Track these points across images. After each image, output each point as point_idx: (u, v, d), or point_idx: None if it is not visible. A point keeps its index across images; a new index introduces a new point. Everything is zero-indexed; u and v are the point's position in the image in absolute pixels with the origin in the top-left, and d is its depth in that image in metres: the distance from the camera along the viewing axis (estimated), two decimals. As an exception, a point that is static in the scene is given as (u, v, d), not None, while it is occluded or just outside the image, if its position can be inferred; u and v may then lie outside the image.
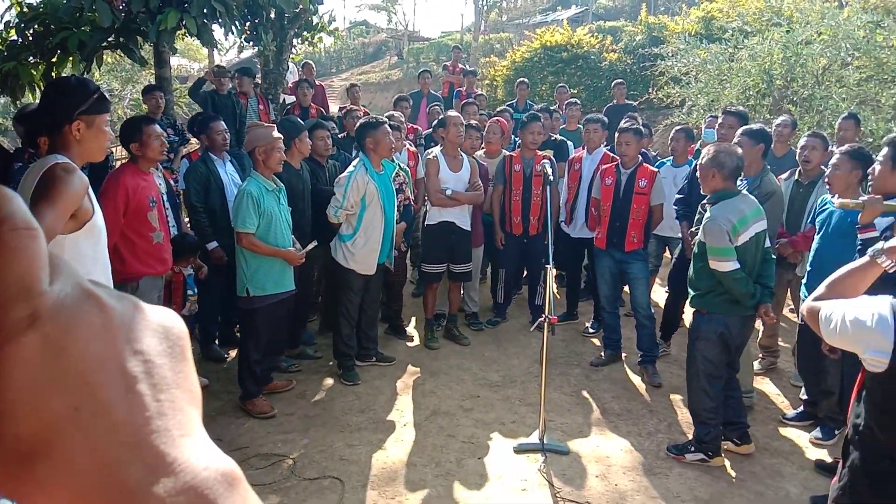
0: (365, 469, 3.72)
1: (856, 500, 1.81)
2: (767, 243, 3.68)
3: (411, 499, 3.48)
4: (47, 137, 2.52)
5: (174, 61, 7.83)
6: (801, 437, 4.15)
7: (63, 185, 2.25)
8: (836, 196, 3.61)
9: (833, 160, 3.80)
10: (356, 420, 4.29)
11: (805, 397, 4.34)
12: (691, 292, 3.77)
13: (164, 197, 4.13)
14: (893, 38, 7.41)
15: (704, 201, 3.77)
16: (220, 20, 5.68)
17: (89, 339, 0.36)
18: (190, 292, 4.44)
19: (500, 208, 5.77)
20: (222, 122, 5.05)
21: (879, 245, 1.92)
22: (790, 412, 4.44)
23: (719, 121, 5.10)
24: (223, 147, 4.98)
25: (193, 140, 6.49)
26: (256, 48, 7.31)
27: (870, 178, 3.24)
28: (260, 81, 8.37)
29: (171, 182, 4.84)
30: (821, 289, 1.96)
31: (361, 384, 4.79)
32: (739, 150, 3.72)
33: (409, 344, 5.60)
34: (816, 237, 3.93)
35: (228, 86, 7.54)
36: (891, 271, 1.87)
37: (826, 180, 3.96)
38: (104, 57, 7.11)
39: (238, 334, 5.13)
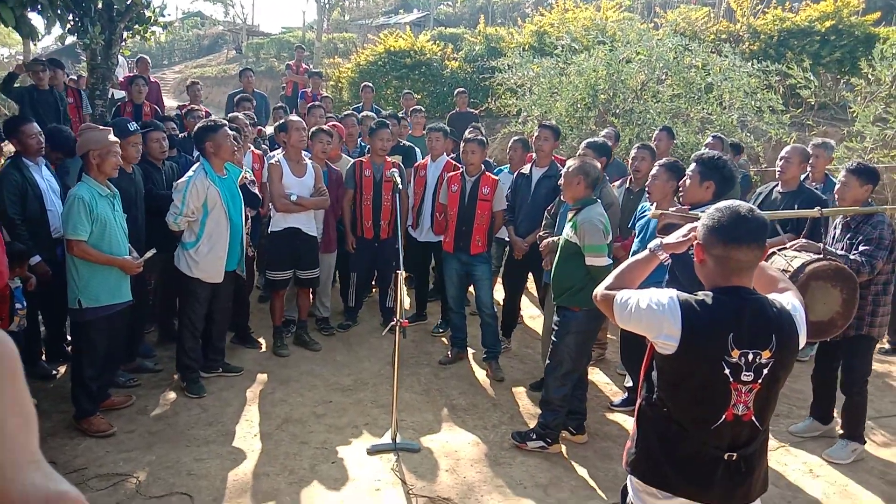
0: (215, 483, 3.63)
1: (648, 456, 2.09)
2: None
3: (265, 509, 3.45)
4: None
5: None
6: (626, 422, 4.59)
7: None
8: (653, 205, 4.06)
9: (652, 171, 4.26)
10: (203, 433, 4.16)
11: (629, 384, 4.81)
12: (559, 291, 4.03)
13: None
14: (699, 60, 8.37)
15: (567, 208, 4.11)
16: (40, 11, 5.22)
17: None
18: (18, 306, 4.07)
19: (351, 213, 5.83)
20: (35, 125, 4.61)
21: (657, 241, 2.26)
22: (617, 399, 4.90)
23: (535, 133, 5.47)
24: (38, 152, 4.56)
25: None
26: (82, 41, 6.76)
27: (681, 189, 3.68)
28: (86, 75, 7.76)
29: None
30: (610, 278, 2.24)
31: (208, 396, 4.64)
32: (598, 164, 4.11)
33: (258, 352, 5.49)
34: (636, 241, 4.39)
35: (48, 79, 6.92)
36: (666, 263, 2.22)
37: (647, 190, 4.43)
38: None
39: (68, 349, 4.76)
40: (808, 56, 9.76)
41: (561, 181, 4.14)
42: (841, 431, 4.25)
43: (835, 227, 4.22)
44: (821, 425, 4.42)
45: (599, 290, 2.22)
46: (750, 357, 1.92)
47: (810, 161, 5.29)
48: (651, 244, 2.26)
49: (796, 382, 5.25)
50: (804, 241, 3.83)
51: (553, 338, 4.11)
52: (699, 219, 2.08)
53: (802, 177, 5.29)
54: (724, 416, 1.96)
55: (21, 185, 4.37)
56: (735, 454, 1.98)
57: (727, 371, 1.92)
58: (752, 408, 1.98)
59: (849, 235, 4.01)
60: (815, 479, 3.97)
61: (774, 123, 7.84)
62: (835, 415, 4.44)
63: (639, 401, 2.17)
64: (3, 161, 4.83)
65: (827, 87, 10.20)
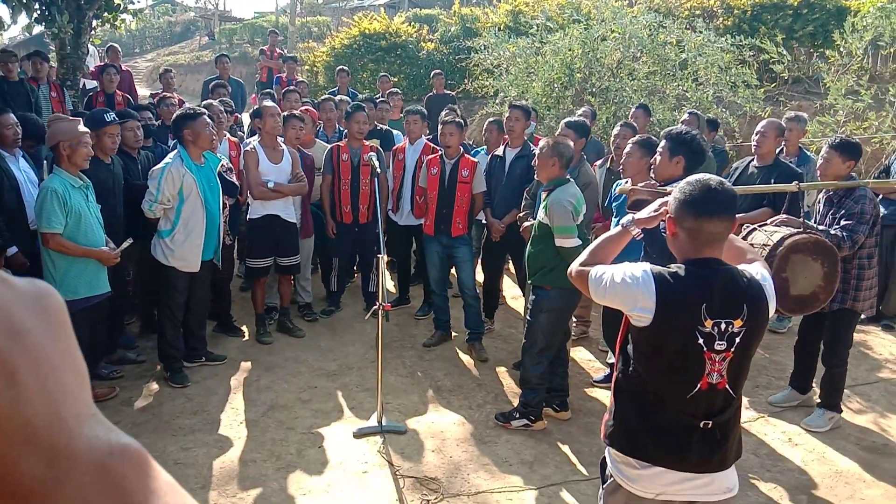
0: (202, 471, 3.64)
1: (626, 427, 2.15)
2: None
3: (252, 494, 3.47)
4: None
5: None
6: (608, 397, 4.66)
7: None
8: (627, 181, 4.09)
9: (626, 149, 4.29)
10: (189, 423, 4.16)
11: (612, 361, 4.87)
12: (533, 271, 4.07)
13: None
14: (673, 37, 8.39)
15: (541, 189, 4.11)
16: (4, 0, 5.11)
17: None
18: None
19: (330, 197, 5.81)
20: (11, 115, 4.56)
21: (630, 217, 2.31)
22: (599, 375, 4.96)
23: (506, 114, 5.46)
24: (14, 143, 4.51)
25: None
26: (50, 30, 6.63)
27: (652, 166, 3.72)
28: (56, 66, 7.62)
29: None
30: (584, 255, 2.29)
31: (192, 385, 4.63)
32: (571, 143, 4.12)
33: (241, 340, 5.48)
34: (613, 220, 4.42)
35: (17, 70, 6.79)
36: (638, 238, 2.30)
37: (621, 167, 4.46)
38: None
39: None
40: (781, 30, 9.82)
41: (535, 162, 4.16)
42: (818, 401, 4.34)
43: (818, 203, 4.27)
44: (799, 395, 4.51)
45: (574, 266, 2.26)
46: (722, 326, 1.98)
47: (784, 135, 5.35)
48: (623, 220, 2.32)
49: (775, 354, 5.36)
50: (784, 216, 3.86)
51: (527, 317, 4.15)
52: (668, 193, 2.12)
53: (777, 150, 5.36)
54: (699, 385, 2.01)
55: None
56: (710, 422, 2.04)
57: (701, 341, 1.98)
58: (726, 376, 2.03)
59: (832, 210, 4.06)
60: (794, 448, 4.06)
61: (749, 98, 7.90)
62: (813, 385, 4.54)
63: (615, 374, 2.22)
64: None
65: (800, 61, 10.28)
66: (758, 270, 2.10)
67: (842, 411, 4.31)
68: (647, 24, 8.32)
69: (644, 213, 2.27)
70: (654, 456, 2.07)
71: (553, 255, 3.93)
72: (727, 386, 2.04)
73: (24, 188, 4.44)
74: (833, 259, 3.40)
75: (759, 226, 3.72)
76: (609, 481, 2.23)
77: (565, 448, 4.00)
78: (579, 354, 5.38)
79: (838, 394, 4.26)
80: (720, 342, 1.99)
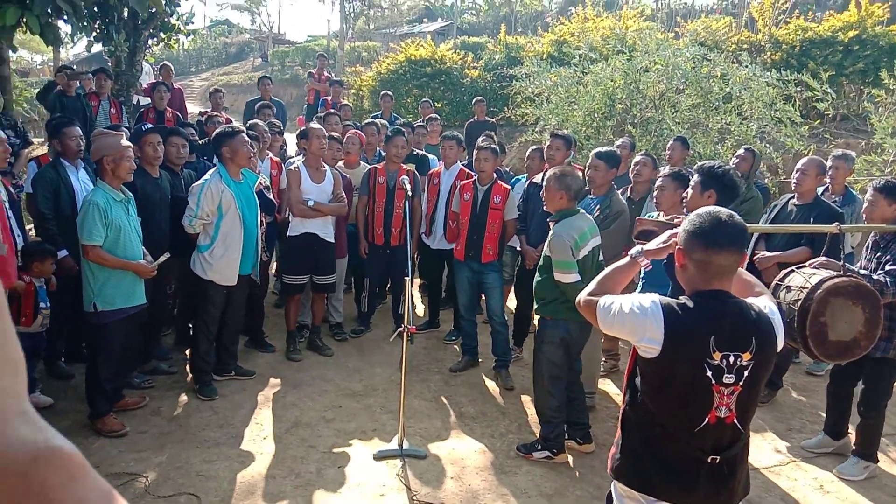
0: (223, 484, 3.68)
1: (632, 460, 2.12)
2: (601, 258, 4.05)
3: (270, 511, 3.49)
4: None
5: (12, 53, 7.22)
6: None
7: None
8: (660, 214, 4.05)
9: (658, 182, 4.25)
10: (214, 435, 4.22)
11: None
12: (536, 301, 4.07)
13: (6, 205, 3.86)
14: (717, 70, 8.32)
15: (549, 219, 4.09)
16: (66, 19, 5.37)
17: None
18: (43, 305, 4.17)
19: (364, 219, 5.89)
20: (77, 128, 4.81)
21: (638, 248, 2.31)
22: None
23: (547, 142, 5.48)
24: (77, 154, 4.73)
25: (36, 141, 6.05)
26: (106, 48, 6.92)
27: (684, 199, 3.67)
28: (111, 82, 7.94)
29: (11, 189, 4.53)
30: (592, 284, 2.28)
31: (220, 399, 4.71)
32: (580, 174, 4.10)
33: (271, 356, 5.56)
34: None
35: (76, 86, 7.10)
36: (647, 269, 2.32)
37: (654, 200, 4.42)
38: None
39: (85, 350, 4.86)
40: (830, 66, 9.66)
41: (542, 192, 4.14)
42: (854, 448, 4.18)
43: (866, 247, 4.14)
44: (833, 441, 4.36)
45: (582, 296, 2.26)
46: (731, 359, 1.96)
47: (829, 173, 5.24)
48: (632, 250, 2.31)
49: (812, 397, 5.20)
50: (824, 258, 3.73)
51: (534, 349, 4.13)
52: (676, 225, 2.11)
53: (821, 189, 5.25)
54: (707, 419, 1.99)
55: (55, 183, 4.55)
56: (718, 457, 2.01)
57: (709, 373, 1.96)
58: (735, 410, 2.01)
59: (878, 254, 3.93)
60: (826, 496, 3.91)
61: (793, 136, 7.77)
62: (848, 430, 4.38)
63: (623, 406, 2.20)
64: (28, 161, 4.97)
65: (850, 98, 10.08)
66: (766, 304, 2.08)
67: (878, 461, 4.14)
68: (691, 56, 8.27)
69: (653, 245, 2.27)
70: (661, 490, 2.04)
71: (553, 287, 3.91)
72: (735, 420, 2.02)
73: (80, 198, 4.62)
74: (875, 304, 3.24)
75: (798, 267, 3.60)
76: None
77: (588, 482, 3.93)
78: (607, 387, 5.31)
79: (874, 444, 4.09)
80: (729, 375, 1.96)
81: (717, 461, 2.00)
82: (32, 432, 0.32)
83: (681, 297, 2.04)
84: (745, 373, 1.98)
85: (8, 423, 0.32)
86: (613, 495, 2.21)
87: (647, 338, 1.99)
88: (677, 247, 2.09)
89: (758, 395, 2.09)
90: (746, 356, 1.97)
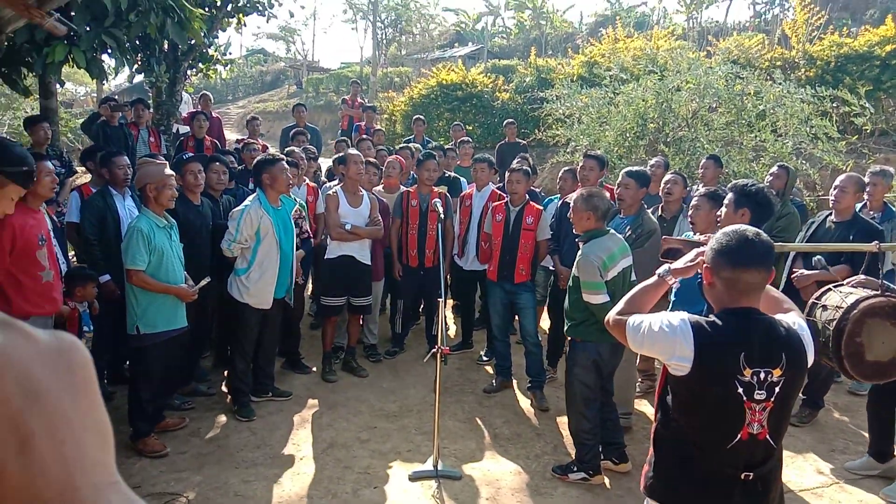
0: (260, 504, 3.74)
1: (665, 479, 2.12)
2: (633, 277, 4.04)
3: (307, 531, 3.53)
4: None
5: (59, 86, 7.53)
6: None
7: None
8: (696, 234, 4.03)
9: (693, 202, 4.23)
10: (252, 456, 4.29)
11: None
12: (567, 322, 4.07)
13: (52, 233, 4.03)
14: (751, 87, 8.26)
15: (577, 239, 4.10)
16: (111, 53, 5.60)
17: None
18: (86, 328, 4.32)
19: (398, 241, 5.97)
20: (125, 158, 4.99)
21: (666, 266, 2.32)
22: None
23: (580, 163, 5.50)
24: (124, 182, 4.91)
25: (80, 170, 6.28)
26: (148, 79, 7.18)
27: (718, 218, 3.66)
28: (152, 112, 8.22)
29: (54, 217, 4.71)
30: (621, 304, 2.30)
31: (257, 419, 4.78)
32: (607, 194, 4.11)
33: (307, 377, 5.63)
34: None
35: (119, 116, 7.36)
36: (675, 287, 2.26)
37: (689, 219, 4.40)
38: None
39: (128, 372, 4.99)
40: (867, 82, 9.51)
41: (569, 213, 4.15)
42: (900, 470, 4.06)
43: None
44: (878, 463, 4.24)
45: (611, 315, 2.28)
46: (762, 375, 1.96)
47: (867, 189, 5.16)
48: (660, 269, 2.33)
49: (855, 417, 5.07)
50: (863, 277, 3.66)
51: (566, 372, 4.12)
52: (703, 244, 2.13)
53: (859, 206, 5.16)
54: (739, 436, 1.99)
55: (101, 210, 4.72)
56: (751, 474, 2.00)
57: (740, 390, 1.96)
58: (767, 426, 2.00)
59: None
60: (872, 519, 3.81)
61: (829, 151, 7.65)
62: (895, 452, 4.26)
63: (654, 424, 2.20)
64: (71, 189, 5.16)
65: (888, 113, 9.90)
66: (795, 320, 2.08)
67: (926, 484, 4.02)
68: (723, 74, 8.24)
69: (680, 263, 2.28)
70: None
71: (582, 309, 3.90)
72: (768, 436, 2.01)
73: (125, 224, 4.78)
74: None
75: (835, 286, 3.54)
76: None
77: (624, 503, 3.89)
78: (644, 408, 5.25)
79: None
80: (760, 391, 1.96)
81: (751, 478, 2.00)
82: (124, 503, 0.34)
83: (710, 315, 2.05)
84: (777, 389, 1.98)
85: (102, 494, 0.33)
86: None
87: (676, 356, 2.00)
88: (704, 265, 2.10)
89: (790, 412, 2.09)
90: (777, 372, 1.97)
